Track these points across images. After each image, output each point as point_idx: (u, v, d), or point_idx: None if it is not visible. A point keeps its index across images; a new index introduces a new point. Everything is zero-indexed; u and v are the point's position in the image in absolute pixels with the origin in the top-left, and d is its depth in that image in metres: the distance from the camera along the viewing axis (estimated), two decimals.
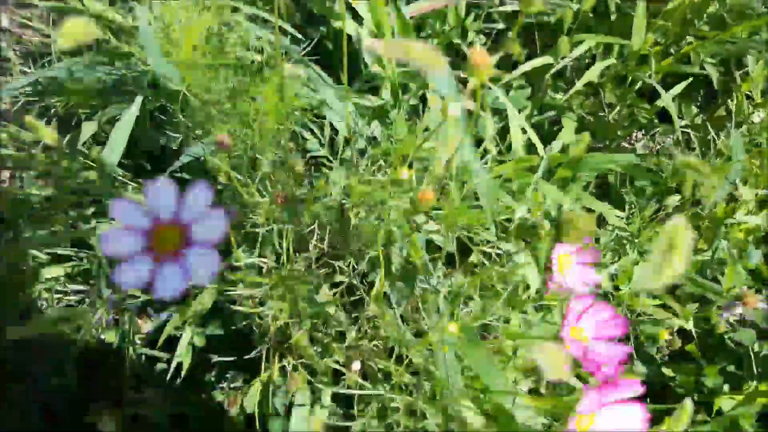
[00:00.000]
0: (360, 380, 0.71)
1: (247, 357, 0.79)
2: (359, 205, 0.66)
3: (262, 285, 0.66)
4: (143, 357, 1.08)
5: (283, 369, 0.77)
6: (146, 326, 1.13)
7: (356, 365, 0.65)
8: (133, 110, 0.70)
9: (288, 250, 0.64)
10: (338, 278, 0.76)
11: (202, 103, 0.72)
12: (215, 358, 1.06)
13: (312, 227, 0.70)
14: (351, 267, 0.77)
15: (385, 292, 0.78)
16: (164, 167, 1.04)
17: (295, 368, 0.83)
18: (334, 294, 0.75)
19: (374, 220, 0.70)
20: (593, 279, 0.58)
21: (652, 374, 1.07)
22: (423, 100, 0.95)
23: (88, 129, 0.80)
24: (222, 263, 0.34)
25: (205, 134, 0.76)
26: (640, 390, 0.42)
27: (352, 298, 0.78)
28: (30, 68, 1.17)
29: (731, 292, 0.96)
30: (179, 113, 0.77)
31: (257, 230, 0.64)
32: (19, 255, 1.03)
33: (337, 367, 0.72)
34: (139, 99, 0.71)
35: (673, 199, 1.02)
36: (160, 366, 1.06)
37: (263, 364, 0.88)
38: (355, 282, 0.76)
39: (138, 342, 1.10)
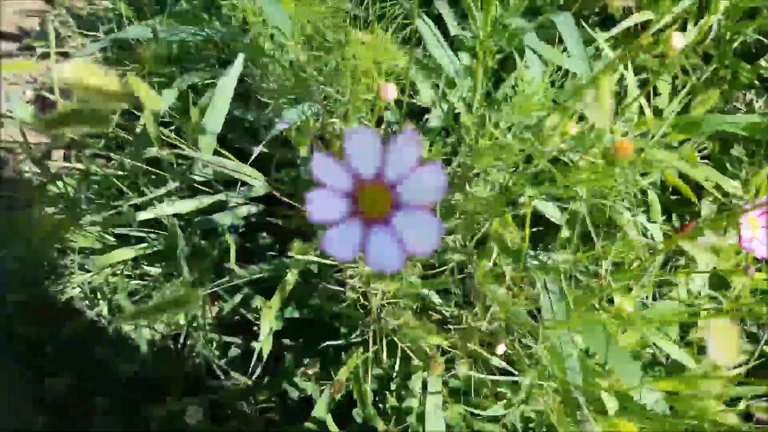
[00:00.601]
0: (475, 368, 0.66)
1: (359, 339, 0.74)
2: (483, 171, 0.60)
3: None
4: (213, 342, 1.04)
5: (389, 352, 0.72)
6: (213, 310, 1.08)
7: (501, 348, 0.60)
8: (237, 67, 0.64)
9: None
10: (447, 256, 0.70)
11: (302, 65, 0.66)
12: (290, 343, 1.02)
13: None
14: (459, 244, 0.71)
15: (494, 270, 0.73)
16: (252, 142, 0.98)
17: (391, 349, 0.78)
18: (443, 272, 0.69)
19: (483, 189, 0.65)
20: None
21: None
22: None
23: (169, 96, 0.74)
24: (442, 230, 0.28)
25: (298, 100, 0.70)
26: None
27: (461, 275, 0.72)
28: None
29: None
30: (269, 77, 0.71)
31: None
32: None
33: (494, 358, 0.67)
34: (241, 57, 0.65)
35: None
36: (233, 351, 1.02)
37: (351, 349, 0.83)
38: (463, 259, 0.70)
39: (208, 326, 1.06)
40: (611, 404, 0.65)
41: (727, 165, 0.96)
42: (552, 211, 0.71)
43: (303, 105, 0.70)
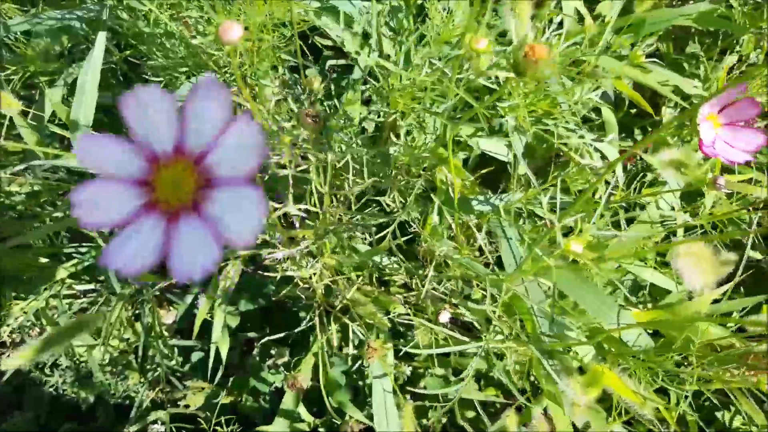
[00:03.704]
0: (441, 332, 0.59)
1: (298, 330, 0.67)
2: (405, 116, 0.52)
3: (301, 239, 0.53)
4: (175, 349, 0.97)
5: (341, 334, 0.65)
6: (169, 315, 1.01)
7: (445, 316, 0.53)
8: (98, 49, 0.55)
9: (320, 190, 0.50)
10: (385, 218, 0.63)
11: (184, 34, 0.58)
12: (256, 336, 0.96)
13: (345, 159, 0.56)
14: (398, 202, 0.63)
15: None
16: None
17: (341, 331, 0.72)
18: (384, 237, 0.62)
19: (419, 136, 0.57)
20: (753, 143, 0.44)
21: None
22: None
23: (54, 95, 0.65)
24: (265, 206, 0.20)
25: (190, 73, 0.61)
26: None
27: (405, 238, 0.65)
28: None
29: None
30: (155, 53, 0.62)
31: (283, 173, 0.50)
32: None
33: (410, 320, 0.60)
34: (102, 35, 0.56)
35: (732, 59, 0.89)
36: (196, 355, 0.95)
37: (315, 333, 0.76)
38: (405, 218, 0.63)
39: (166, 334, 0.99)
40: (585, 352, 0.59)
41: (685, 65, 0.88)
42: (496, 149, 0.63)
43: (197, 77, 0.62)
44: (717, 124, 0.44)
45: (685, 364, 0.58)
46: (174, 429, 0.84)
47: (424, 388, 0.77)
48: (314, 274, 0.63)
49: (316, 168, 0.48)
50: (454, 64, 0.37)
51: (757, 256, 0.98)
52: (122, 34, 0.73)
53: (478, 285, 0.63)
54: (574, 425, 0.75)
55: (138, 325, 0.99)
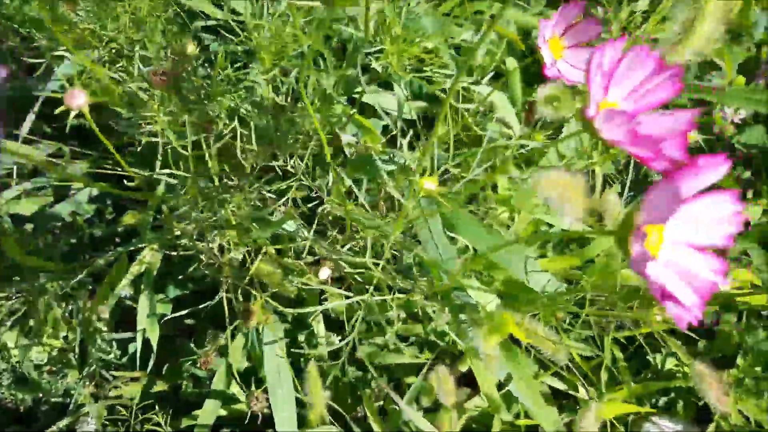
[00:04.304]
0: (343, 292, 0.59)
1: (202, 306, 0.67)
2: (274, 68, 0.51)
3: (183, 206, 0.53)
4: (113, 342, 0.95)
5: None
6: (106, 309, 1.00)
7: (324, 272, 0.52)
8: None
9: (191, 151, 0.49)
10: (284, 184, 0.62)
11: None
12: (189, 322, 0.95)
13: (233, 126, 0.55)
14: (296, 165, 0.63)
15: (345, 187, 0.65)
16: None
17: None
18: (284, 203, 0.61)
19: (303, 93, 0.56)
20: None
21: None
22: None
23: None
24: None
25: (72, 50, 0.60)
26: (724, 169, 0.26)
27: (309, 205, 0.64)
28: None
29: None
30: (37, 34, 0.61)
31: (155, 142, 0.49)
32: None
33: (322, 287, 0.60)
34: None
35: (644, 2, 0.89)
36: (133, 346, 0.94)
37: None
38: (305, 182, 0.62)
39: (104, 328, 0.97)
40: (488, 300, 0.58)
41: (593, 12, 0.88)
42: (387, 103, 0.62)
43: (80, 53, 0.60)
44: (560, 47, 0.44)
45: (583, 304, 0.59)
46: (107, 421, 0.83)
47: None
48: (216, 248, 0.62)
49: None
50: (292, 9, 0.37)
51: None
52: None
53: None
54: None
55: (75, 322, 0.97)
